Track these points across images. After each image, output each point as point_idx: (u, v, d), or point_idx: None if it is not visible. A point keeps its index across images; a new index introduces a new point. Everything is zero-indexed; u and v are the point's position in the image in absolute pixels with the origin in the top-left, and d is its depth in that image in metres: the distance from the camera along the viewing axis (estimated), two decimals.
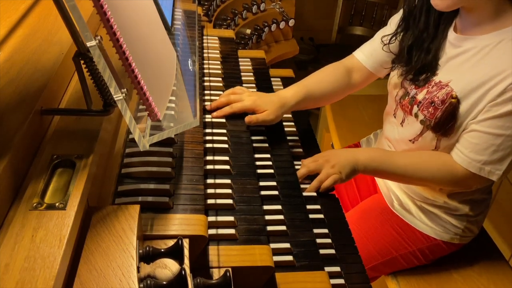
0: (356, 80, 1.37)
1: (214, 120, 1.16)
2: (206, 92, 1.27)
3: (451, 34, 1.16)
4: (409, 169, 1.18)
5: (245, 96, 1.20)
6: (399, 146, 1.30)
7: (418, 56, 1.19)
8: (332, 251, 1.02)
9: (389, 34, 1.28)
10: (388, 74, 1.36)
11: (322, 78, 1.33)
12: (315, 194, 1.15)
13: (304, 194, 1.12)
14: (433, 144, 1.19)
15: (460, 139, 1.13)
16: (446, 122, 1.13)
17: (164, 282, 0.65)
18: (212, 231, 0.87)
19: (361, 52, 1.36)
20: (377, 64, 1.34)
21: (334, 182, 1.15)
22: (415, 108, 1.19)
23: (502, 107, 1.03)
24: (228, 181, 0.98)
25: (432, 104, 1.14)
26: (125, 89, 0.69)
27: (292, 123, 1.37)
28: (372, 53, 1.34)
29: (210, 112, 1.19)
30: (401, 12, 1.27)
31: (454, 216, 1.29)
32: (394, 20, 1.30)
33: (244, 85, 1.36)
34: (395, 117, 1.32)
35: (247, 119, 1.17)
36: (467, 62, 1.11)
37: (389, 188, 1.38)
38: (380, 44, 1.31)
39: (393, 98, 1.29)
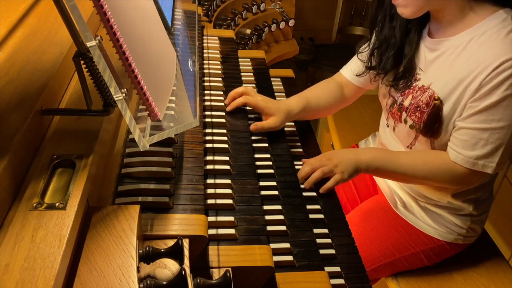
0: (348, 94, 1.43)
1: (214, 120, 1.17)
2: (206, 92, 1.27)
3: (427, 40, 1.19)
4: (410, 168, 1.19)
5: (258, 96, 1.25)
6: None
7: (386, 60, 1.23)
8: (332, 251, 1.02)
9: (364, 44, 1.33)
10: None
11: (319, 93, 1.38)
12: (315, 194, 1.15)
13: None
14: (428, 146, 1.21)
15: (451, 138, 1.15)
16: (432, 124, 1.15)
17: (164, 282, 0.65)
18: (212, 231, 0.87)
19: (347, 70, 1.41)
20: (364, 79, 1.37)
21: (336, 183, 1.16)
22: (404, 115, 1.22)
23: (482, 102, 1.06)
24: (228, 181, 0.98)
25: (418, 109, 1.17)
26: (125, 89, 0.69)
27: (292, 123, 1.36)
28: (357, 69, 1.37)
29: (211, 111, 1.19)
30: None
31: (458, 216, 1.29)
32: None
33: (244, 85, 1.36)
34: (388, 126, 1.35)
35: (253, 127, 1.20)
36: (444, 63, 1.14)
37: (391, 190, 1.38)
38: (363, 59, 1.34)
39: (384, 107, 1.33)
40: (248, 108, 1.25)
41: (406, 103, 1.21)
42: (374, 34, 1.28)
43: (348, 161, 1.19)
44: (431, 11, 1.14)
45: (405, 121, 1.22)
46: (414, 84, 1.21)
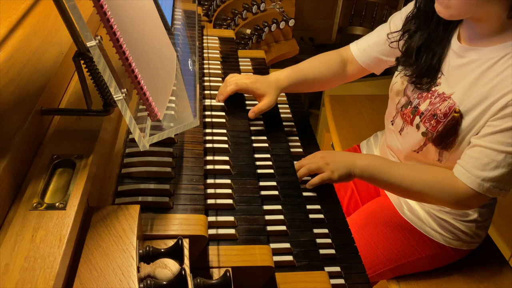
0: (350, 72, 1.38)
1: (214, 120, 1.17)
2: (206, 92, 1.27)
3: (455, 43, 1.14)
4: (406, 179, 1.14)
5: (244, 80, 1.24)
6: (402, 155, 1.29)
7: (426, 57, 1.17)
8: (332, 251, 1.02)
9: (397, 31, 1.24)
10: (387, 73, 1.35)
11: (318, 65, 1.35)
12: (315, 194, 1.15)
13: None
14: (436, 154, 1.17)
15: (462, 155, 1.10)
16: (447, 136, 1.11)
17: (164, 282, 0.65)
18: (212, 231, 0.87)
19: (356, 46, 1.37)
20: (369, 61, 1.34)
21: (322, 181, 1.15)
22: (417, 119, 1.18)
23: (503, 122, 1.02)
24: (228, 181, 0.98)
25: (435, 117, 1.12)
26: (125, 89, 0.69)
27: (293, 123, 1.37)
28: (365, 48, 1.34)
29: (211, 111, 1.19)
30: (402, 10, 1.25)
31: (463, 222, 1.27)
32: (395, 19, 1.28)
33: None
34: (392, 124, 1.31)
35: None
36: (471, 74, 1.08)
37: None
38: (376, 41, 1.31)
39: (394, 105, 1.28)
40: (247, 107, 1.25)
41: (422, 107, 1.16)
42: (418, 26, 1.18)
43: (342, 163, 1.16)
44: (470, 18, 1.07)
45: (417, 127, 1.18)
46: (433, 89, 1.15)
